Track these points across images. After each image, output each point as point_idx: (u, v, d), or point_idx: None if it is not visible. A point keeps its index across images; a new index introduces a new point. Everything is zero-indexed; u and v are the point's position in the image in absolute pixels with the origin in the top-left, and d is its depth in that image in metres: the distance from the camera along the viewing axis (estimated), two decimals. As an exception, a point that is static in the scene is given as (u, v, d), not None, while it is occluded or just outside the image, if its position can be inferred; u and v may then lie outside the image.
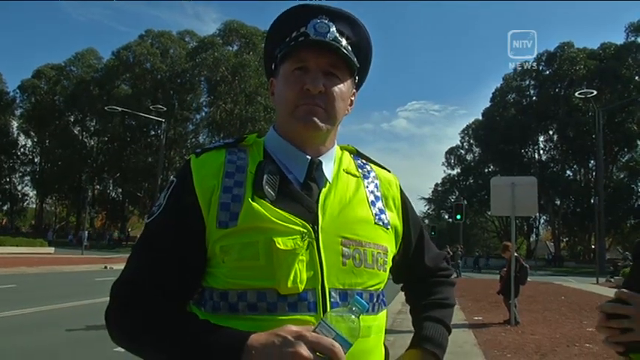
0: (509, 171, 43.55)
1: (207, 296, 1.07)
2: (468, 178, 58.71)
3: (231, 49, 51.58)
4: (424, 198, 61.46)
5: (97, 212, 57.99)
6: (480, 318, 10.66)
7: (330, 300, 1.03)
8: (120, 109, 36.44)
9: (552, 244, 55.96)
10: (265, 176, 1.09)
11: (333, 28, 1.15)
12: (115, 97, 50.35)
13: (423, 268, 1.37)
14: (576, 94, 37.11)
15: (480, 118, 58.41)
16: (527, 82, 55.38)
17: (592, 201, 45.97)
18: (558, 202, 52.57)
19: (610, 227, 46.43)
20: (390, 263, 1.18)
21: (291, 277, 1.01)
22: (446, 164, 61.19)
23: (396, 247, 1.22)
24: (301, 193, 1.12)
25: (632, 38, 48.30)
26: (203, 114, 55.00)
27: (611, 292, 19.57)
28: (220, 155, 1.14)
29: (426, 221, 60.28)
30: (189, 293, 1.10)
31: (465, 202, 39.70)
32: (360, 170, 1.25)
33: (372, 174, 1.27)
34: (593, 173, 49.10)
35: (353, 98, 1.24)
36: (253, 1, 77.18)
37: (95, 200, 57.24)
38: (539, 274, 29.79)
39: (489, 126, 54.53)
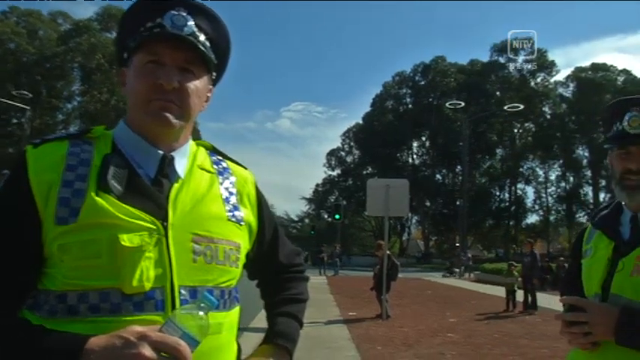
0: (385, 173, 45.61)
1: (43, 299, 0.98)
2: (348, 180, 60.67)
3: (109, 35, 48.45)
4: (305, 198, 62.34)
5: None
6: (354, 313, 11.13)
7: (179, 298, 1.00)
8: (-24, 92, 32.71)
9: (422, 242, 59.77)
10: (111, 170, 1.03)
11: (191, 22, 1.11)
12: (-31, 79, 45.05)
13: (277, 264, 1.36)
14: (447, 104, 40.15)
15: (361, 122, 60.60)
16: (405, 91, 58.60)
17: (457, 203, 50.05)
18: (428, 204, 56.30)
19: (472, 227, 50.61)
20: (243, 259, 1.17)
21: (137, 276, 0.96)
22: (327, 165, 62.62)
23: (250, 243, 1.21)
24: (151, 188, 1.08)
25: (496, 57, 53.20)
26: (75, 103, 51.06)
27: (470, 286, 21.16)
28: (62, 147, 1.06)
29: (306, 221, 61.42)
30: (22, 298, 1.00)
31: (344, 202, 41.13)
32: (215, 167, 1.23)
33: (228, 171, 1.25)
34: (459, 177, 53.20)
35: (209, 95, 1.20)
36: (135, -12, 73.07)
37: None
38: (409, 270, 31.60)
39: (369, 130, 56.83)
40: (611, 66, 51.51)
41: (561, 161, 53.34)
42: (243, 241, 1.17)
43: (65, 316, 0.95)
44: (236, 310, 1.17)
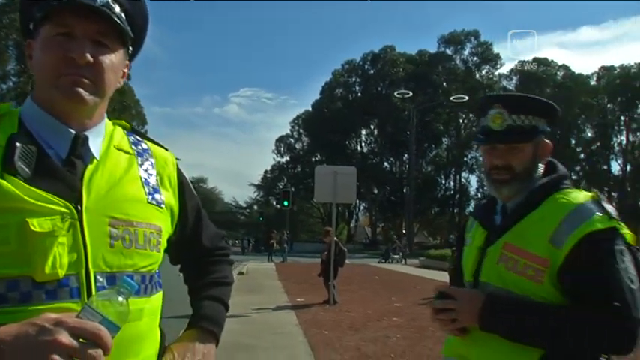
0: (334, 161, 46.00)
1: None
2: (296, 167, 60.78)
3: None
4: (253, 184, 62.20)
5: None
6: (302, 299, 11.19)
7: (95, 284, 0.95)
8: None
9: (370, 229, 60.78)
10: (18, 150, 0.95)
11: None
12: None
13: (200, 247, 1.33)
14: (395, 93, 40.78)
15: (310, 109, 60.70)
16: (354, 79, 59.08)
17: (404, 191, 51.05)
18: (376, 191, 57.17)
19: (418, 214, 51.85)
20: (164, 244, 1.13)
21: (49, 262, 0.91)
22: (275, 152, 62.50)
23: (171, 227, 1.17)
24: (63, 170, 1.00)
25: (443, 49, 54.35)
26: (11, 84, 48.44)
27: (415, 271, 21.65)
28: None
29: (255, 207, 61.19)
30: None
31: (292, 189, 41.05)
32: (134, 147, 1.16)
33: (148, 152, 1.19)
34: (406, 166, 54.26)
35: (126, 70, 1.13)
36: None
37: None
38: (357, 256, 32.11)
39: (318, 117, 56.99)
40: (552, 61, 53.71)
41: (503, 151, 55.16)
42: (164, 225, 1.13)
43: None
44: (158, 295, 1.12)
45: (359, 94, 58.18)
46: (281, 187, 54.06)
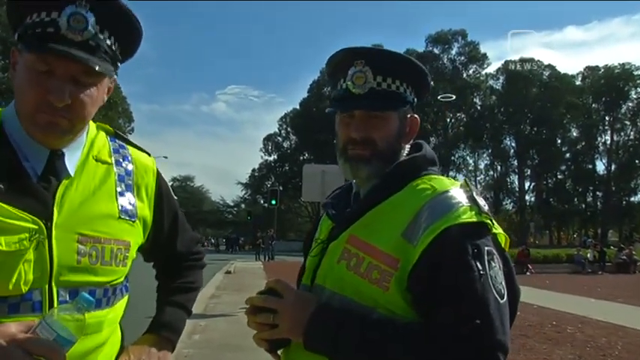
0: (322, 159, 45.96)
1: None
2: (284, 165, 60.64)
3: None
4: (241, 183, 61.90)
5: None
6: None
7: (58, 299, 0.97)
8: None
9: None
10: None
11: (92, 21, 0.98)
12: None
13: (174, 252, 1.34)
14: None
15: (298, 107, 60.58)
16: (342, 78, 59.08)
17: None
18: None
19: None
20: (133, 256, 1.15)
21: (14, 280, 0.92)
22: (263, 150, 62.28)
23: (143, 236, 1.18)
24: (36, 186, 1.00)
25: (430, 48, 54.59)
26: (-5, 79, 47.84)
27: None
28: None
29: (243, 206, 60.98)
30: None
31: (280, 187, 41.01)
32: (113, 155, 1.15)
33: (127, 159, 1.18)
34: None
35: (111, 85, 1.11)
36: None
37: None
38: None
39: (306, 116, 56.82)
40: (538, 61, 54.15)
41: (490, 151, 55.74)
42: (134, 239, 1.14)
43: None
44: (122, 301, 1.16)
45: (347, 92, 58.13)
46: (269, 185, 53.91)
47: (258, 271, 19.45)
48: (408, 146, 1.28)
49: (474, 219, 1.08)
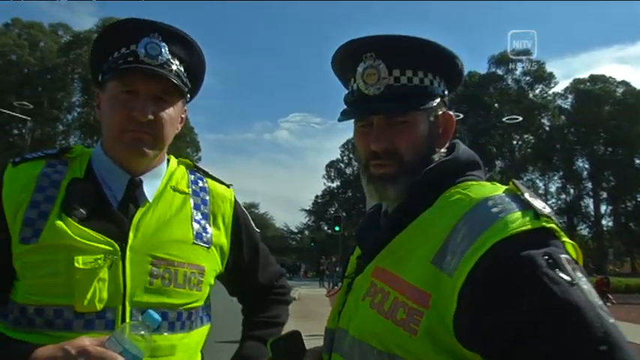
0: (385, 185, 45.59)
1: (10, 309, 1.05)
2: (347, 191, 60.63)
3: (109, 47, 48.56)
4: (304, 210, 62.26)
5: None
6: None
7: (131, 319, 1.03)
8: (-23, 103, 32.79)
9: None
10: (77, 193, 1.07)
11: (165, 49, 1.12)
12: (-29, 90, 45.15)
13: (256, 285, 1.36)
14: (446, 116, 40.09)
15: (360, 133, 60.63)
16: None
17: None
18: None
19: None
20: (209, 282, 1.19)
21: (89, 297, 1.01)
22: (326, 177, 62.60)
23: (221, 264, 1.22)
24: (115, 211, 1.11)
25: (494, 69, 53.48)
26: (75, 114, 51.19)
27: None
28: (37, 167, 1.11)
29: (306, 232, 61.29)
30: None
31: (344, 214, 40.95)
32: (191, 186, 1.24)
33: (205, 190, 1.24)
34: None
35: (183, 116, 1.22)
36: (134, 0, 73.72)
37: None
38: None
39: (368, 141, 56.82)
40: (610, 77, 51.72)
41: (561, 173, 53.38)
42: (209, 264, 1.18)
43: (25, 327, 1.01)
44: (202, 330, 1.19)
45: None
46: (332, 212, 54.04)
47: (322, 298, 19.36)
48: (443, 151, 1.03)
49: (531, 225, 0.79)
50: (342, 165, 62.80)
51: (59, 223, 1.03)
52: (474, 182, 0.94)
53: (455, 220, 0.84)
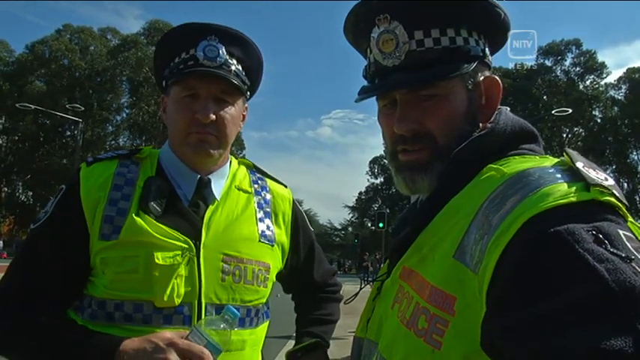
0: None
1: (87, 304, 1.08)
2: (391, 187, 60.17)
3: (155, 49, 49.82)
4: (348, 206, 62.24)
5: (3, 217, 54.04)
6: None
7: (205, 314, 1.07)
8: (33, 106, 34.21)
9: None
10: (153, 192, 1.11)
11: (223, 51, 1.15)
12: (27, 94, 47.06)
13: (311, 282, 1.40)
14: (492, 109, 39.18)
15: (403, 129, 60.02)
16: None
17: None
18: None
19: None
20: (272, 279, 1.23)
21: (168, 292, 1.04)
22: (370, 173, 62.34)
23: (282, 262, 1.25)
24: (188, 209, 1.14)
25: (542, 61, 51.90)
26: (124, 115, 52.82)
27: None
28: (111, 166, 1.14)
29: (350, 229, 61.27)
30: (69, 300, 1.10)
31: (388, 210, 40.68)
32: (253, 186, 1.28)
33: (265, 189, 1.28)
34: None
35: (245, 113, 1.25)
36: (178, 1, 75.36)
37: (1, 204, 53.33)
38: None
39: (411, 137, 56.21)
40: (667, 66, 49.26)
41: (614, 167, 51.32)
42: (273, 261, 1.22)
43: (103, 321, 1.05)
44: (264, 326, 1.22)
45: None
46: (376, 208, 53.83)
47: (366, 294, 19.29)
48: (490, 125, 0.82)
49: (576, 198, 0.59)
50: (386, 161, 62.19)
51: (138, 220, 1.06)
52: (517, 157, 0.76)
53: (480, 202, 0.67)
